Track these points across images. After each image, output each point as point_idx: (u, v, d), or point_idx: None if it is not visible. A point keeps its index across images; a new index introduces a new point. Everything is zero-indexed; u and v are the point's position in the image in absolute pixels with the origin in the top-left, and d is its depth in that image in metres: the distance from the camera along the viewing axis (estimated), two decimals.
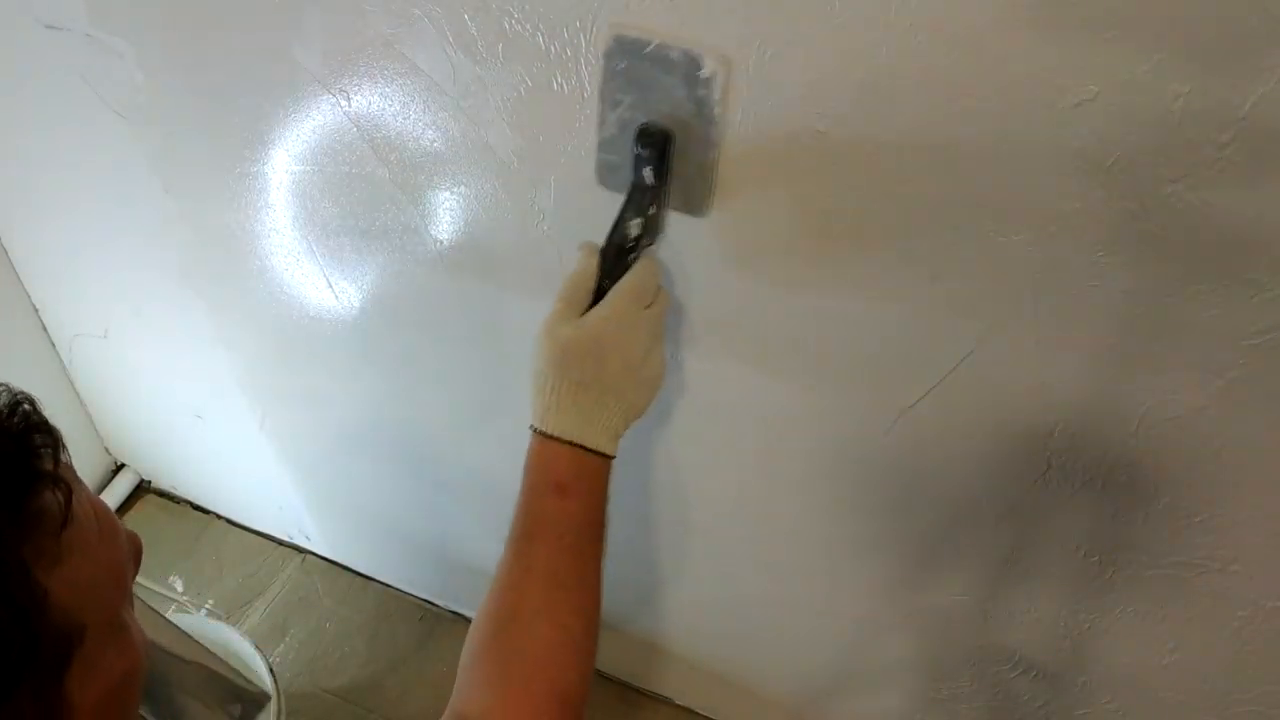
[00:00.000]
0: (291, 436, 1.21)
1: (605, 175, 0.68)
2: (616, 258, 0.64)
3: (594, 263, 0.64)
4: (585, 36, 0.58)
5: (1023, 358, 0.63)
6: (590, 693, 0.62)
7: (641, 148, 0.64)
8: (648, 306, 0.64)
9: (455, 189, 0.74)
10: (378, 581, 1.43)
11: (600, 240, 0.64)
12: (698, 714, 1.28)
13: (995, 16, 0.48)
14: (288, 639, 1.36)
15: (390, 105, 0.70)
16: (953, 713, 1.00)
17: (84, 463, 1.47)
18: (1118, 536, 0.71)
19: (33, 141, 0.97)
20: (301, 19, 0.67)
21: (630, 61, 0.62)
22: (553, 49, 0.60)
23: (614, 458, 0.65)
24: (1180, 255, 0.54)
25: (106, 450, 1.50)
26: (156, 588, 1.43)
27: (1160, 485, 0.66)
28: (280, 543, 1.49)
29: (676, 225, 0.67)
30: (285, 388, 1.13)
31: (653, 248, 0.66)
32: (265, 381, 1.14)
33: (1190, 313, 0.56)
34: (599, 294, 0.64)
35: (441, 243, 0.79)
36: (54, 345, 1.29)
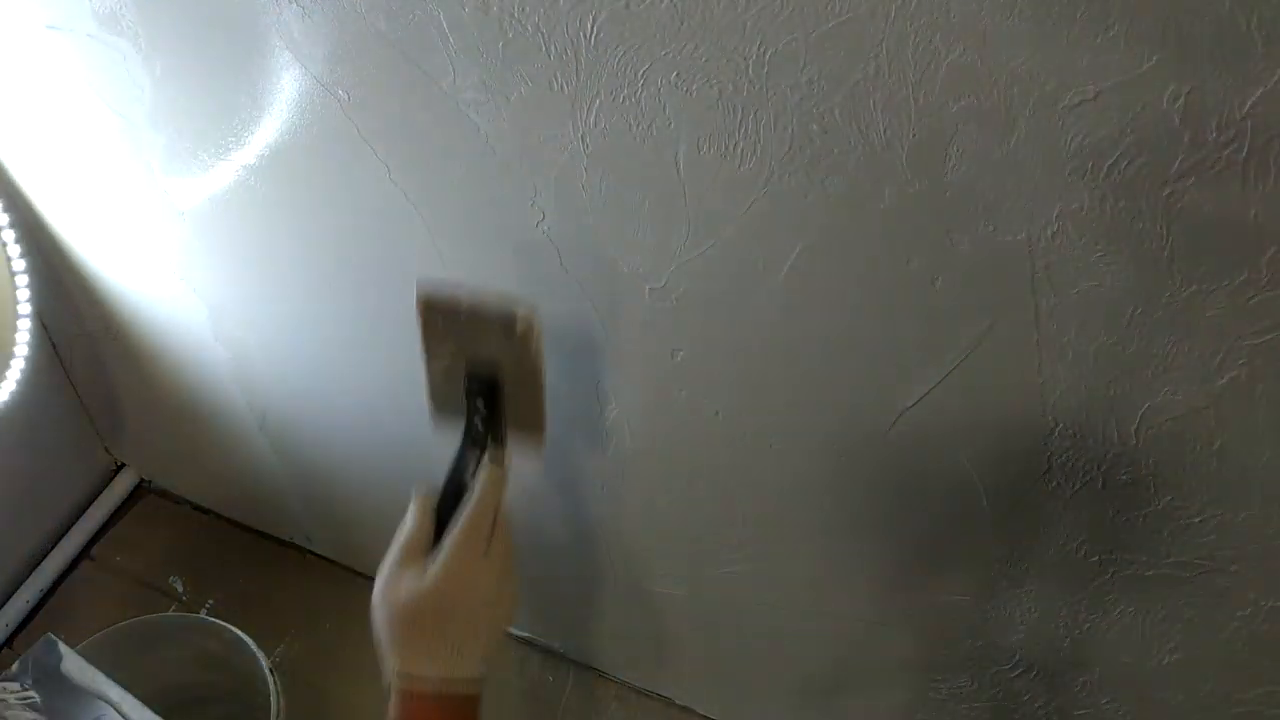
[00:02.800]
0: (292, 436, 1.21)
1: (437, 413, 0.73)
2: (455, 499, 0.65)
3: (428, 519, 0.65)
4: (584, 35, 0.58)
5: (1023, 358, 0.64)
6: None
7: (473, 396, 0.67)
8: (488, 547, 0.64)
9: (456, 189, 0.74)
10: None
11: (438, 478, 0.67)
12: (697, 713, 1.28)
13: (995, 16, 0.48)
14: (288, 639, 1.36)
15: (390, 104, 0.70)
16: (953, 712, 1.00)
17: (84, 463, 1.48)
18: (1118, 536, 0.71)
19: (33, 140, 0.97)
20: (302, 18, 0.67)
21: (444, 316, 0.67)
22: (552, 49, 0.60)
23: (482, 678, 0.63)
24: (1180, 255, 0.54)
25: (106, 450, 1.50)
26: (157, 587, 1.43)
27: (1160, 485, 0.66)
28: (280, 542, 1.49)
29: None
30: (285, 388, 1.13)
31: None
32: (265, 381, 1.14)
33: (1190, 313, 0.56)
34: (440, 532, 0.64)
35: (442, 243, 0.79)
36: (54, 345, 1.29)
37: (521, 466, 0.72)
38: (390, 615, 0.62)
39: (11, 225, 1.00)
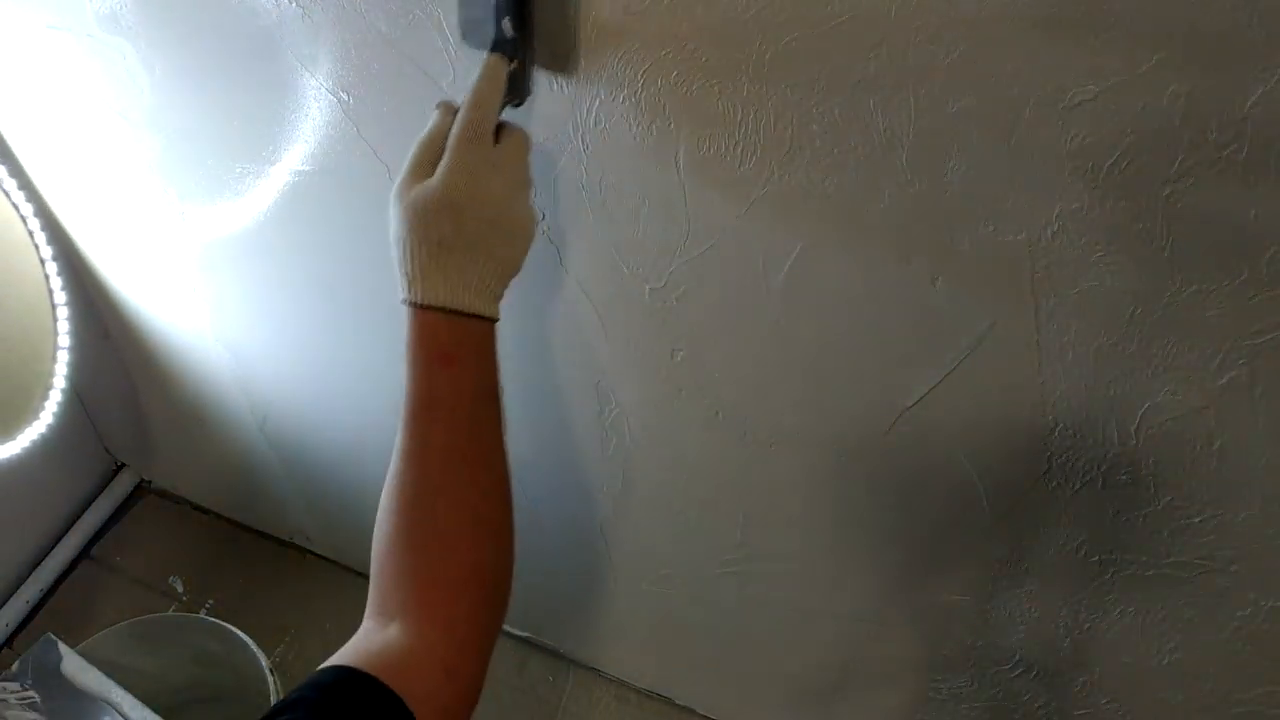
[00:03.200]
0: (292, 437, 1.21)
1: (468, 31, 0.62)
2: None
3: (448, 120, 0.58)
4: (585, 35, 0.58)
5: (1023, 358, 0.64)
6: (512, 576, 0.60)
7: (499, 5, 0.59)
8: (496, 146, 0.58)
9: None
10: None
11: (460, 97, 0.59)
12: (697, 713, 1.28)
13: (995, 15, 0.48)
14: (288, 639, 1.36)
15: (390, 104, 0.70)
16: (953, 712, 1.00)
17: (84, 463, 1.48)
18: (1118, 536, 0.71)
19: (33, 139, 0.97)
20: (302, 18, 0.67)
21: None
22: (553, 47, 0.60)
23: (497, 320, 0.59)
24: (1180, 255, 0.54)
25: (106, 450, 1.50)
26: (157, 587, 1.43)
27: (1160, 485, 0.66)
28: (280, 542, 1.49)
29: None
30: (286, 388, 1.13)
31: (520, 107, 0.63)
32: (266, 382, 1.14)
33: (1190, 313, 0.56)
34: None
35: None
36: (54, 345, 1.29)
37: (548, 88, 0.64)
38: (399, 221, 0.57)
39: (55, 258, 1.00)
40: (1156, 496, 0.67)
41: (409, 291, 0.57)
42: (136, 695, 1.05)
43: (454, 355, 0.57)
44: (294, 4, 0.66)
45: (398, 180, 0.57)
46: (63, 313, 1.03)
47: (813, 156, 0.58)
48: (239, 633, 1.13)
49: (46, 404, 1.05)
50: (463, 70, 0.63)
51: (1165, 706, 0.83)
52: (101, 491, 1.50)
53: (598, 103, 0.62)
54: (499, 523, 0.60)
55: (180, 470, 1.49)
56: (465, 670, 0.55)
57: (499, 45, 0.59)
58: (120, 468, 1.53)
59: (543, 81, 0.62)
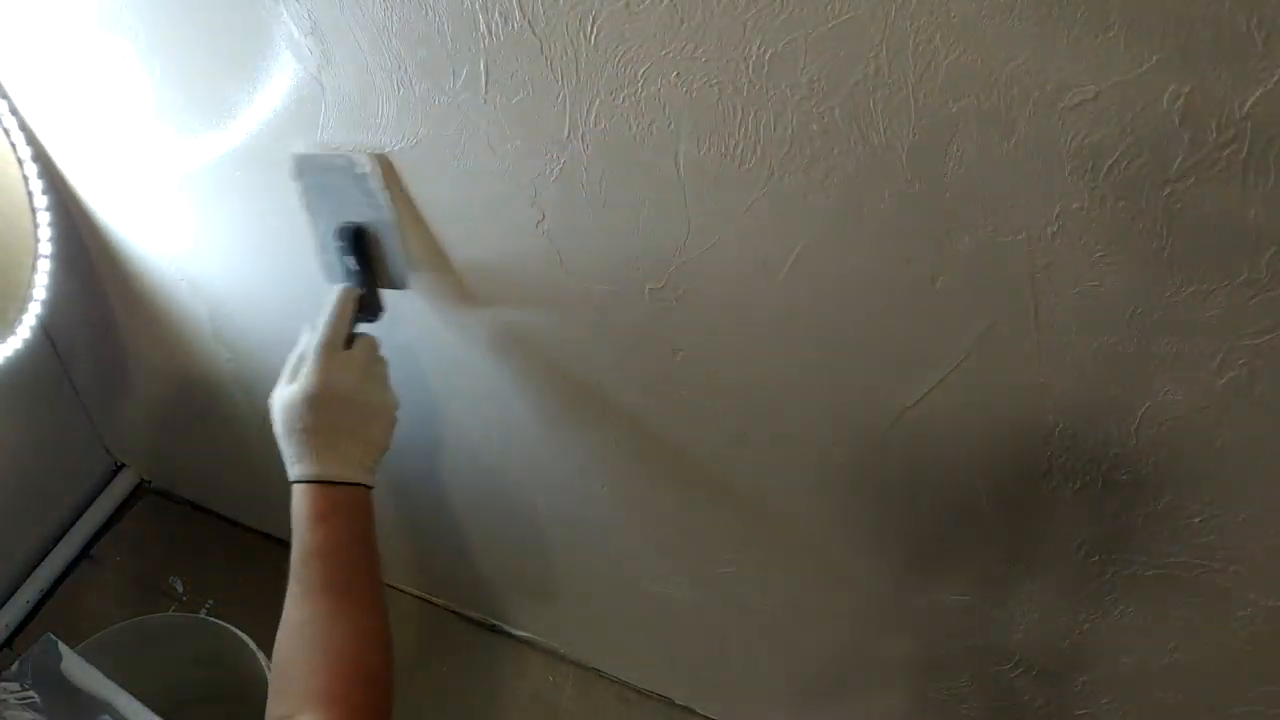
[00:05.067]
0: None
1: (327, 271, 0.83)
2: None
3: (314, 339, 0.75)
4: (584, 35, 0.58)
5: (1023, 358, 0.64)
6: (392, 680, 0.72)
7: (339, 243, 0.78)
8: (350, 350, 0.75)
9: (456, 189, 0.74)
10: None
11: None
12: (697, 713, 1.28)
13: (995, 15, 0.48)
14: None
15: (390, 105, 0.70)
16: (953, 713, 1.00)
17: (84, 463, 1.48)
18: (1118, 536, 0.71)
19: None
20: (303, 19, 0.67)
21: (312, 176, 0.77)
22: (552, 49, 0.60)
23: (371, 488, 0.75)
24: (1180, 255, 0.54)
25: (106, 450, 1.50)
26: (157, 587, 1.43)
27: (1160, 485, 0.66)
28: (280, 543, 1.49)
29: None
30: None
31: (372, 322, 0.81)
32: (265, 382, 1.13)
33: (1190, 313, 0.56)
34: None
35: (440, 242, 0.79)
36: (54, 346, 1.29)
37: (399, 303, 0.84)
38: (274, 420, 0.74)
39: (46, 197, 1.00)
40: (1157, 496, 0.67)
41: (289, 472, 0.73)
42: (136, 695, 1.05)
43: (328, 514, 0.72)
44: (297, 2, 0.66)
45: (274, 392, 0.74)
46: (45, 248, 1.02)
47: (813, 156, 0.58)
48: (239, 633, 1.13)
49: (24, 318, 1.04)
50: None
51: (1165, 706, 0.83)
52: (101, 491, 1.50)
53: (598, 103, 0.62)
54: (378, 635, 0.72)
55: (180, 470, 1.49)
56: None
57: (347, 278, 0.79)
58: (120, 468, 1.53)
59: (543, 82, 0.62)
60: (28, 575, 1.39)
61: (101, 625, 1.16)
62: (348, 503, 0.73)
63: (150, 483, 1.55)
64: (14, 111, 0.93)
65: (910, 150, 0.56)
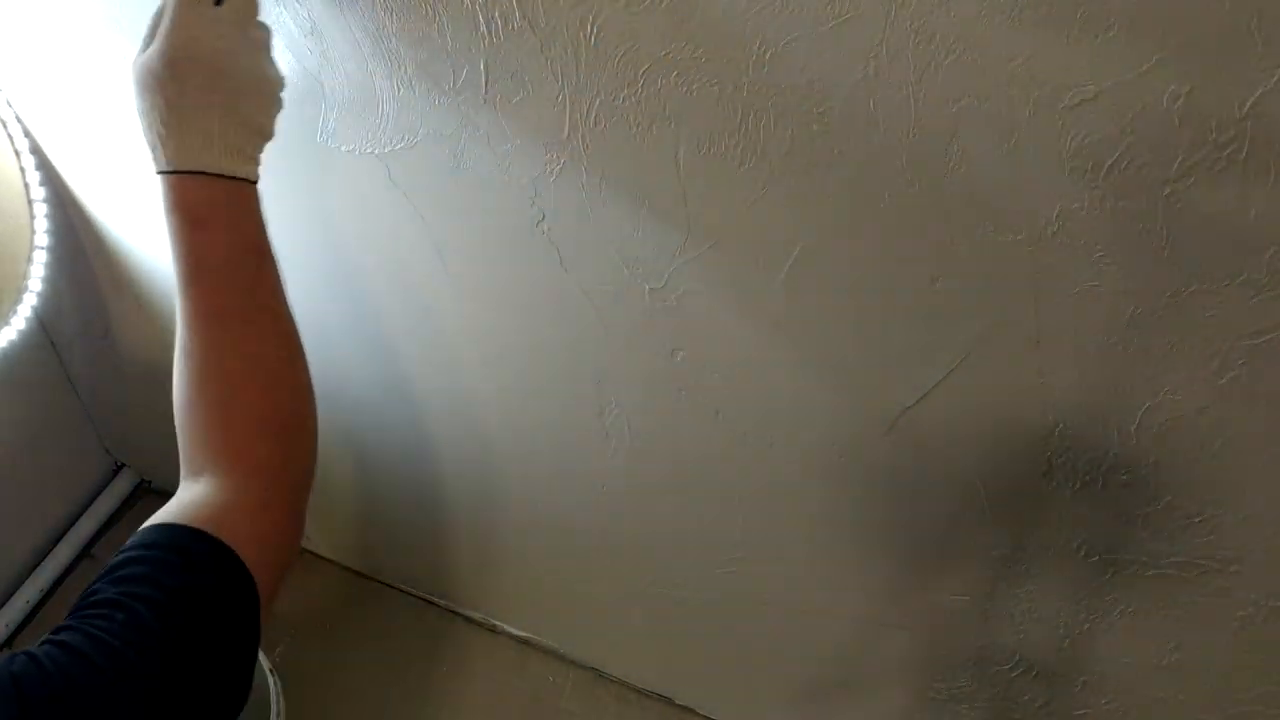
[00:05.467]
0: None
1: None
2: None
3: None
4: (584, 35, 0.58)
5: (1023, 358, 0.63)
6: (313, 418, 0.60)
7: None
8: (222, 13, 0.58)
9: (456, 190, 0.74)
10: (378, 581, 1.43)
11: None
12: (697, 713, 1.28)
13: (995, 15, 0.48)
14: (288, 639, 1.36)
15: (390, 104, 0.70)
16: (953, 713, 1.00)
17: (84, 463, 1.48)
18: (1118, 536, 0.71)
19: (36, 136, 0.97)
20: (304, 19, 0.67)
21: None
22: (552, 49, 0.60)
23: (253, 181, 0.60)
24: (1180, 255, 0.54)
25: (106, 450, 1.50)
26: None
27: (1160, 485, 0.66)
28: None
29: None
30: None
31: None
32: None
33: (1190, 313, 0.56)
34: None
35: (442, 243, 0.79)
36: (54, 345, 1.29)
37: None
38: (134, 94, 0.58)
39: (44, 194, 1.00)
40: (1157, 496, 0.67)
41: (154, 160, 0.58)
42: None
43: (206, 219, 0.58)
44: (298, 4, 0.66)
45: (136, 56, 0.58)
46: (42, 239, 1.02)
47: (813, 156, 0.58)
48: None
49: (19, 309, 1.04)
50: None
51: (1165, 706, 0.83)
52: (101, 491, 1.50)
53: (598, 102, 0.62)
54: (286, 368, 0.60)
55: (180, 470, 1.49)
56: (278, 504, 0.56)
57: None
58: (120, 468, 1.53)
59: (543, 82, 0.62)
60: (28, 575, 1.39)
61: None
62: (229, 201, 0.59)
63: (150, 483, 1.55)
64: (10, 104, 0.93)
65: (910, 150, 0.56)
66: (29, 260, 1.02)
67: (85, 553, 1.46)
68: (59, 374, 1.33)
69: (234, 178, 0.59)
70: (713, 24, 0.55)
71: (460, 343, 0.89)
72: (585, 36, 0.59)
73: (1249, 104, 0.46)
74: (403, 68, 0.66)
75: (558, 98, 0.63)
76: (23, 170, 0.97)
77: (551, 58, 0.61)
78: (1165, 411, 0.62)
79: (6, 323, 1.04)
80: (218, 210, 0.58)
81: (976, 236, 0.58)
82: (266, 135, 0.62)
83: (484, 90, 0.65)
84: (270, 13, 0.67)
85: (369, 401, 1.06)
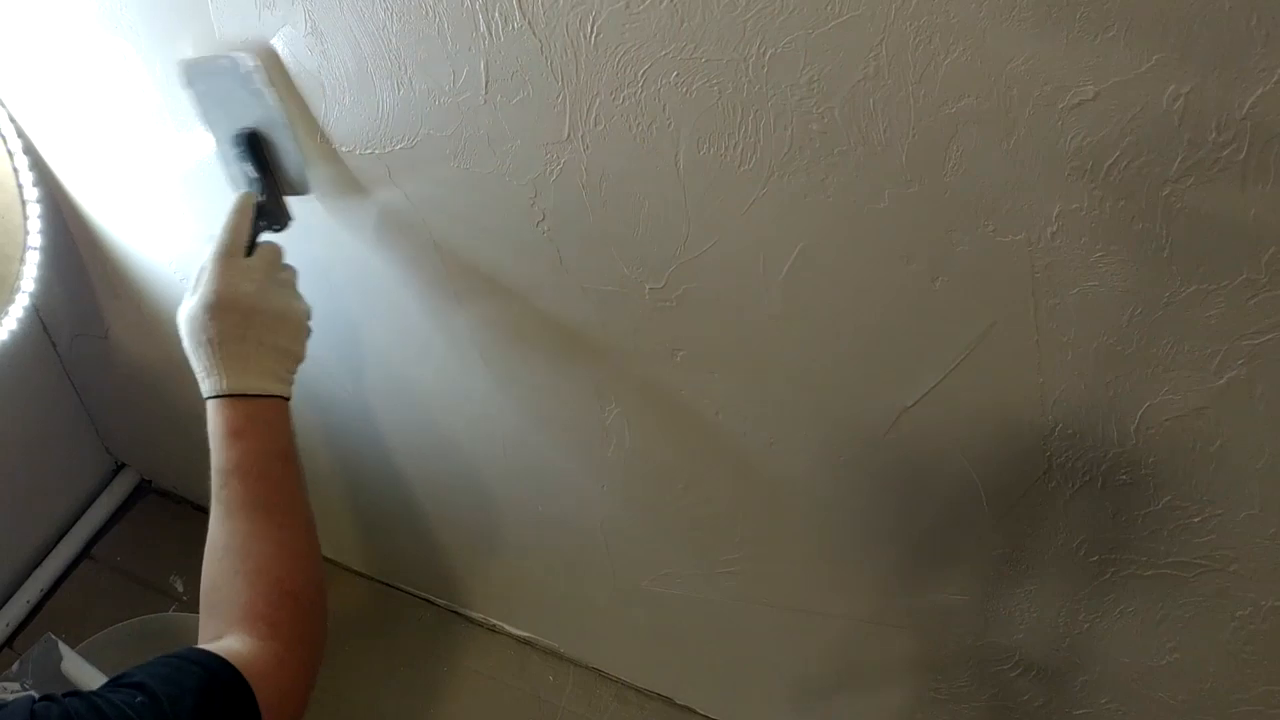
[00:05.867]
0: None
1: (232, 181, 0.79)
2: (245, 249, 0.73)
3: (211, 248, 0.72)
4: (584, 35, 0.58)
5: (1023, 358, 0.64)
6: (324, 600, 0.70)
7: (235, 150, 0.75)
8: (249, 257, 0.72)
9: (456, 190, 0.74)
10: (378, 581, 1.43)
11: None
12: (697, 713, 1.28)
13: (995, 15, 0.48)
14: None
15: (390, 104, 0.70)
16: (952, 712, 1.00)
17: (84, 463, 1.48)
18: (1118, 536, 0.71)
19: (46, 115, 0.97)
20: (304, 20, 0.67)
21: (201, 83, 0.74)
22: (552, 49, 0.60)
23: (287, 398, 0.72)
24: (1180, 255, 0.54)
25: (106, 450, 1.50)
26: (157, 587, 1.43)
27: (1160, 485, 0.66)
28: None
29: None
30: None
31: (279, 231, 0.77)
32: None
33: (1190, 313, 0.56)
34: None
35: (442, 243, 0.79)
36: (54, 345, 1.29)
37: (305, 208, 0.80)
38: (183, 335, 0.71)
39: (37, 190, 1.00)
40: (1156, 496, 0.67)
41: (204, 389, 0.70)
42: None
43: (244, 429, 0.69)
44: (297, 4, 0.66)
45: (180, 311, 0.71)
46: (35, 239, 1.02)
47: (813, 156, 0.58)
48: None
49: (11, 309, 1.05)
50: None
51: (1165, 706, 0.83)
52: (102, 491, 1.50)
53: (598, 103, 0.62)
54: (304, 549, 0.70)
55: (180, 470, 1.49)
56: (293, 661, 0.65)
57: (248, 186, 0.76)
58: (120, 468, 1.53)
59: (543, 82, 0.62)
60: (28, 575, 1.39)
61: (101, 625, 1.16)
62: (263, 416, 0.70)
63: (150, 483, 1.55)
64: (3, 104, 0.93)
65: (910, 150, 0.56)
66: (22, 260, 1.02)
67: (85, 553, 1.46)
68: (59, 374, 1.33)
69: (269, 396, 0.71)
70: (713, 24, 0.55)
71: (460, 343, 0.89)
72: (585, 36, 0.59)
73: (1249, 104, 0.46)
74: (403, 68, 0.66)
75: (558, 98, 0.63)
76: (16, 171, 0.97)
77: (551, 58, 0.61)
78: (1165, 411, 0.62)
79: None
80: (255, 423, 0.70)
81: (976, 236, 0.58)
82: (298, 359, 0.74)
83: (484, 90, 0.65)
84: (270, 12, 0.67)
85: (369, 401, 1.06)
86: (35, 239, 1.02)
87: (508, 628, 1.36)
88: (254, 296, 0.70)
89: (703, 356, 0.77)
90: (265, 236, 0.76)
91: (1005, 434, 0.69)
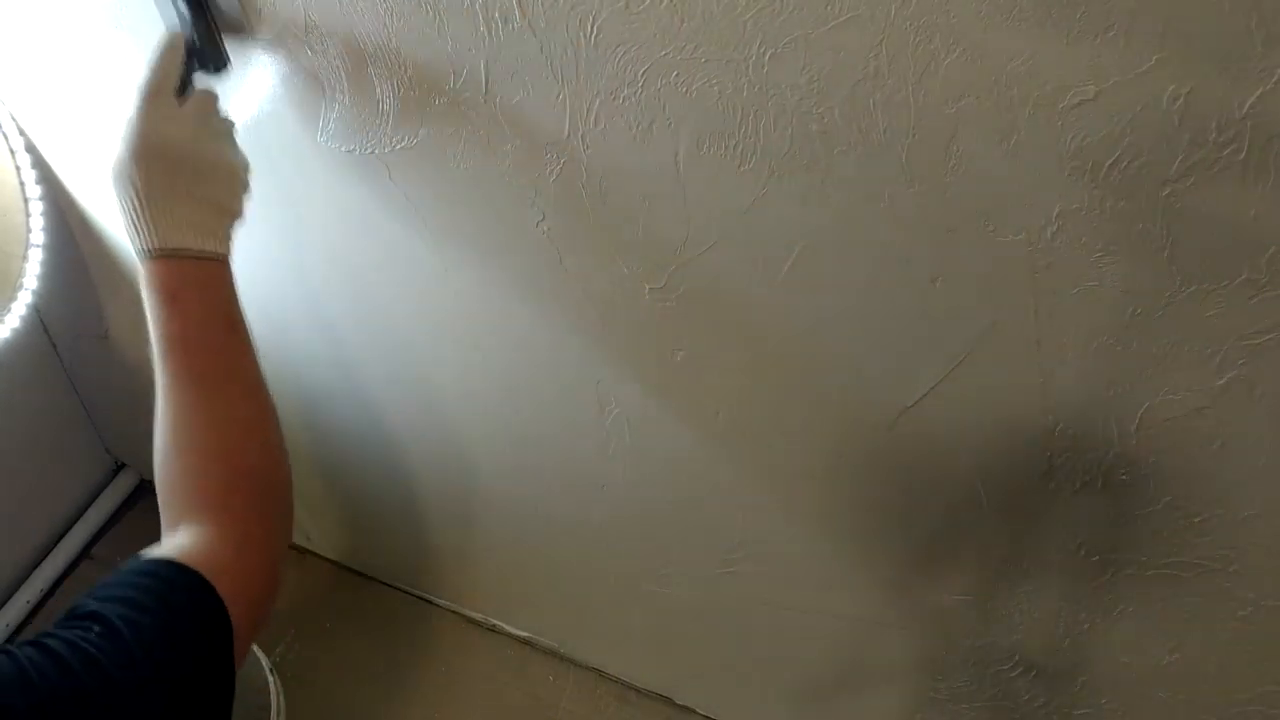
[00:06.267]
0: (291, 436, 1.21)
1: (164, 18, 0.70)
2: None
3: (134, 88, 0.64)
4: (584, 35, 0.58)
5: (1023, 358, 0.63)
6: (285, 474, 0.65)
7: None
8: (185, 108, 0.64)
9: (456, 190, 0.74)
10: (378, 581, 1.43)
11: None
12: (697, 713, 1.28)
13: (995, 15, 0.48)
14: (288, 639, 1.36)
15: (391, 104, 0.70)
16: (952, 712, 1.00)
17: (84, 463, 1.48)
18: (1118, 536, 0.71)
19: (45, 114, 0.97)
20: (304, 19, 0.67)
21: None
22: (552, 48, 0.60)
23: (223, 256, 0.65)
24: (1180, 255, 0.54)
25: (107, 450, 1.50)
26: None
27: (1160, 485, 0.66)
28: None
29: None
30: (284, 388, 1.13)
31: (217, 74, 0.70)
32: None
33: (1190, 313, 0.56)
34: None
35: (442, 243, 0.79)
36: (54, 345, 1.29)
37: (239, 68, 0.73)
38: (111, 188, 0.63)
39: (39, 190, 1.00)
40: (1156, 496, 0.67)
41: (132, 244, 0.63)
42: None
43: (179, 293, 0.62)
44: (295, 4, 0.66)
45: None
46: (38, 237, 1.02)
47: (813, 156, 0.58)
48: None
49: (14, 306, 1.05)
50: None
51: (1165, 706, 0.83)
52: (101, 491, 1.50)
53: (598, 103, 0.62)
54: (256, 427, 0.65)
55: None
56: (251, 549, 0.60)
57: (179, 23, 0.68)
58: (120, 468, 1.53)
59: (543, 82, 0.62)
60: (28, 575, 1.39)
61: None
62: (200, 277, 0.63)
63: (150, 483, 1.55)
64: (4, 103, 0.93)
65: (910, 150, 0.56)
66: (24, 259, 1.02)
67: (85, 553, 1.46)
68: (59, 373, 1.33)
69: (204, 256, 0.63)
70: (713, 24, 0.55)
71: (461, 343, 0.89)
72: (585, 36, 0.59)
73: (1249, 104, 0.46)
74: (403, 68, 0.66)
75: (558, 98, 0.63)
76: (18, 169, 0.97)
77: (551, 58, 0.61)
78: (1165, 411, 0.62)
79: (0, 320, 1.04)
80: (189, 286, 0.63)
81: (976, 236, 0.58)
82: (235, 215, 0.67)
83: (484, 90, 0.65)
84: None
85: (371, 401, 1.06)
86: (38, 236, 1.02)
87: (508, 628, 1.36)
88: (184, 143, 0.63)
89: (703, 356, 0.77)
90: (205, 82, 0.69)
91: (1005, 434, 0.69)
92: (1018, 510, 0.74)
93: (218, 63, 0.71)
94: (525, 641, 1.36)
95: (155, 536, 0.61)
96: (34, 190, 0.99)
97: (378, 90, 0.69)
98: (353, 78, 0.69)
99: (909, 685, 1.01)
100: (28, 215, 1.00)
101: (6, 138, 0.95)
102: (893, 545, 0.85)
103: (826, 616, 0.98)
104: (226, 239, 0.66)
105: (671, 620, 1.13)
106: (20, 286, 1.04)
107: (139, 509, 1.53)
